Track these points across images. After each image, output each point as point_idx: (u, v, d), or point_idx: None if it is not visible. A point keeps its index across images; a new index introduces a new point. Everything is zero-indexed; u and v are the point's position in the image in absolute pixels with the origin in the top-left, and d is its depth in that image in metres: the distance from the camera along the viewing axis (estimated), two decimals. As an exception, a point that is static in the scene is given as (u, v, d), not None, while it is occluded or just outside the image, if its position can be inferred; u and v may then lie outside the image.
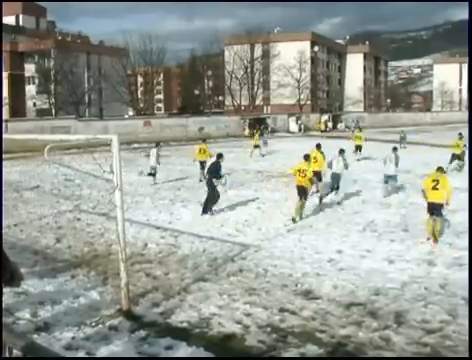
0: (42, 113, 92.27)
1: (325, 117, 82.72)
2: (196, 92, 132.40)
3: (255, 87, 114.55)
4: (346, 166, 21.33)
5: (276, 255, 13.71)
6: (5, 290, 5.40)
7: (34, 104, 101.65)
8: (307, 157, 19.16)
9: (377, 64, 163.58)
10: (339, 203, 20.75)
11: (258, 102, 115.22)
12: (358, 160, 35.61)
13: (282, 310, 10.04)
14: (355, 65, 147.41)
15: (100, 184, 20.75)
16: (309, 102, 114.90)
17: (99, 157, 10.18)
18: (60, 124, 53.20)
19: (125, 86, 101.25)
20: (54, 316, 9.68)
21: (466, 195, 21.34)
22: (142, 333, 9.06)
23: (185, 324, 9.47)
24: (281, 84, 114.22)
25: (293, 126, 74.76)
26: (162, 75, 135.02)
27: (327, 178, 21.59)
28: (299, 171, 18.20)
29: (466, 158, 30.29)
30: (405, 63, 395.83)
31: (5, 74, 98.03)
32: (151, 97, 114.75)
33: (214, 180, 18.81)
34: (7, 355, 4.41)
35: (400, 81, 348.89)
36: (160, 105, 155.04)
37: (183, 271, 12.43)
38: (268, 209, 19.50)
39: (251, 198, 21.42)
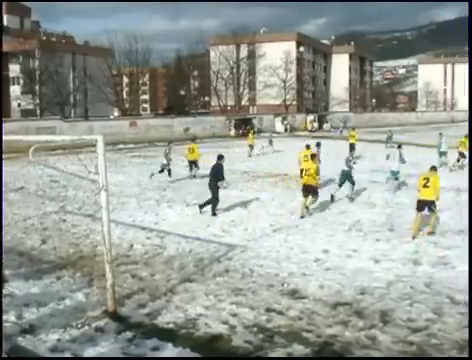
0: (27, 114, 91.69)
1: (311, 117, 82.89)
2: (182, 92, 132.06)
3: (241, 87, 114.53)
4: (351, 164, 22.06)
5: (262, 255, 13.72)
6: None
7: (19, 105, 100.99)
8: (313, 156, 20.03)
9: (362, 64, 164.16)
10: (352, 199, 21.37)
11: (244, 102, 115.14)
12: (354, 158, 35.83)
13: (268, 310, 10.04)
14: (340, 65, 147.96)
15: (85, 185, 20.63)
16: (295, 102, 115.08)
17: (84, 158, 10.15)
18: (45, 125, 52.92)
19: (110, 86, 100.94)
20: (39, 318, 9.62)
21: (451, 194, 21.56)
22: (128, 334, 9.03)
23: (171, 325, 9.45)
24: (267, 84, 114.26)
25: (279, 126, 74.84)
26: (148, 75, 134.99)
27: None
28: (304, 170, 19.03)
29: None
30: (390, 63, 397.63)
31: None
32: (137, 97, 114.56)
33: (219, 183, 18.69)
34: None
35: (385, 81, 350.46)
36: (146, 105, 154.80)
37: (169, 272, 12.40)
38: (254, 209, 19.51)
39: (237, 198, 21.40)
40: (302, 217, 18.15)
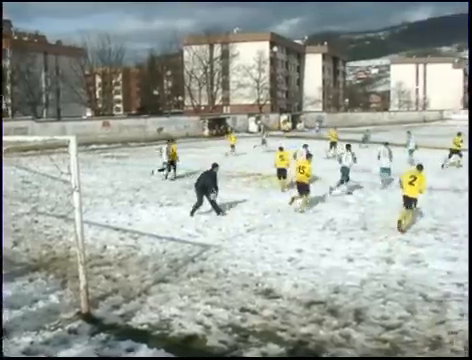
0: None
1: (284, 117, 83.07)
2: (155, 92, 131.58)
3: (214, 87, 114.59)
4: (355, 160, 23.11)
5: (236, 255, 13.73)
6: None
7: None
8: (308, 156, 20.90)
9: (335, 64, 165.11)
10: (350, 193, 22.43)
11: (218, 102, 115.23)
12: (333, 156, 36.75)
13: (243, 310, 10.05)
14: (314, 65, 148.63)
15: (58, 186, 20.44)
16: (268, 102, 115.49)
17: (57, 158, 10.10)
18: (17, 125, 52.13)
19: (83, 86, 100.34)
20: (12, 321, 9.51)
21: (425, 195, 21.70)
22: (102, 336, 8.97)
23: (145, 326, 9.41)
24: (240, 84, 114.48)
25: (253, 126, 74.86)
26: (121, 75, 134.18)
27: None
28: (298, 168, 19.50)
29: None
30: (363, 63, 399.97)
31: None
32: (110, 97, 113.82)
33: (212, 194, 18.45)
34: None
35: (358, 81, 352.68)
36: (119, 105, 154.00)
37: (143, 273, 12.35)
38: (228, 209, 19.50)
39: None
40: (302, 211, 18.90)
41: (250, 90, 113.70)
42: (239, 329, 9.26)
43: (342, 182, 22.75)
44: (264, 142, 45.02)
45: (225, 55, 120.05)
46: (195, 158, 35.58)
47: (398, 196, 21.66)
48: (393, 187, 23.95)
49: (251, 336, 8.99)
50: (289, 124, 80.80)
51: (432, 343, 8.66)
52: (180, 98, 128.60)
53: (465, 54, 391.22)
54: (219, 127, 68.46)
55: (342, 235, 15.74)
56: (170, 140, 30.24)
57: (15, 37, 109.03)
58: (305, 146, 27.13)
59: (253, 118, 77.42)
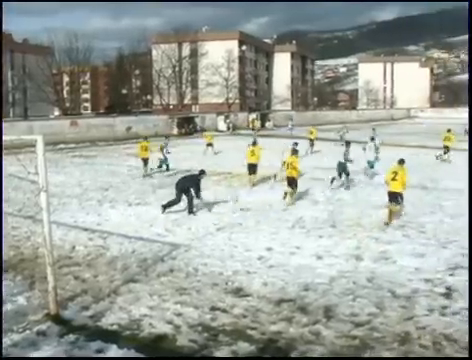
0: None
1: (253, 116, 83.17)
2: (124, 91, 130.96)
3: (183, 86, 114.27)
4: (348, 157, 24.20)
5: (206, 254, 13.72)
6: None
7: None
8: (295, 152, 21.80)
9: (304, 63, 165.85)
10: (347, 188, 23.27)
11: (186, 101, 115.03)
12: (312, 153, 38.46)
13: (213, 309, 10.06)
14: (282, 64, 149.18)
15: (25, 186, 20.23)
16: (237, 101, 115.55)
17: (24, 158, 9.97)
18: (-18, 125, 51.55)
19: (50, 85, 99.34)
20: (-21, 323, 9.39)
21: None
22: (71, 337, 8.89)
23: (115, 326, 9.36)
24: (209, 83, 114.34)
25: (222, 125, 74.80)
26: (89, 74, 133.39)
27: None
28: (288, 164, 20.44)
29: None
30: (331, 62, 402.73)
31: None
32: (77, 96, 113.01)
33: (198, 199, 18.53)
34: None
35: (327, 80, 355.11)
36: (87, 105, 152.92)
37: (112, 273, 12.28)
38: (198, 208, 19.47)
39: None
40: (292, 204, 19.90)
41: (219, 89, 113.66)
42: (209, 328, 9.26)
43: (340, 176, 23.65)
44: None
45: (194, 54, 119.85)
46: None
47: (367, 194, 22.02)
48: (362, 185, 24.23)
49: (221, 335, 8.99)
50: (258, 123, 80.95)
51: (401, 339, 8.76)
52: (149, 97, 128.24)
53: (431, 53, 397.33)
54: (188, 126, 68.32)
55: (311, 233, 15.83)
56: (167, 137, 31.43)
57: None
58: (295, 144, 27.78)
59: (222, 117, 77.33)
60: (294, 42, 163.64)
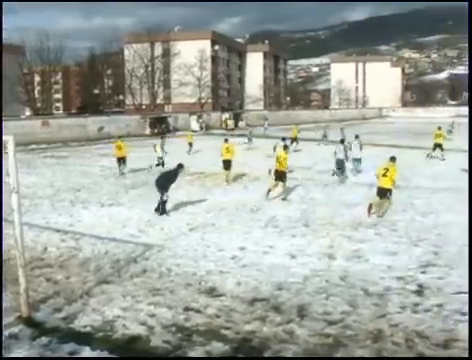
0: None
1: (226, 115, 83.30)
2: (96, 91, 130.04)
3: (156, 86, 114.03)
4: (348, 152, 25.94)
5: (179, 254, 13.68)
6: None
7: None
8: (286, 147, 22.40)
9: (277, 63, 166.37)
10: (342, 182, 24.75)
11: (159, 101, 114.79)
12: (295, 151, 38.84)
13: (187, 309, 10.03)
14: (255, 64, 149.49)
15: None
16: (210, 101, 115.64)
17: (-6, 159, 9.83)
18: None
19: (21, 85, 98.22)
20: None
21: (364, 190, 22.14)
22: (44, 340, 8.80)
23: (88, 328, 9.29)
24: (182, 83, 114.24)
25: (194, 125, 74.79)
26: (60, 74, 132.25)
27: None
28: (278, 158, 21.07)
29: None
30: (304, 62, 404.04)
31: None
32: (49, 96, 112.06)
33: (164, 195, 18.38)
34: None
35: (299, 79, 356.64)
36: (58, 105, 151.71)
37: (85, 274, 12.18)
38: (171, 208, 19.42)
39: (154, 198, 21.19)
40: (284, 199, 20.87)
41: (192, 89, 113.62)
42: (183, 328, 9.24)
43: (341, 172, 25.17)
44: (250, 140, 46.46)
45: (166, 53, 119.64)
46: (138, 157, 35.23)
47: (339, 193, 22.17)
48: (335, 185, 24.37)
49: (195, 335, 8.98)
50: (230, 122, 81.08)
51: (374, 336, 8.82)
52: (121, 97, 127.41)
53: (403, 53, 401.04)
54: (161, 126, 68.13)
55: (284, 232, 15.86)
56: (163, 136, 31.94)
57: None
58: (283, 139, 29.10)
59: (195, 117, 77.31)
60: (267, 42, 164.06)
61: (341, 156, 25.08)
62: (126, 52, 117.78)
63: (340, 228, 16.16)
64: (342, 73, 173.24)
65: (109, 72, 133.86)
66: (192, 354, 8.36)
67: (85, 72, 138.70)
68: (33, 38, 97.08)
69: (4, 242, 14.82)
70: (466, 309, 9.74)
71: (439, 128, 35.79)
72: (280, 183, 21.10)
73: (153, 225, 16.94)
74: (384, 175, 17.48)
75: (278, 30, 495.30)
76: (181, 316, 9.71)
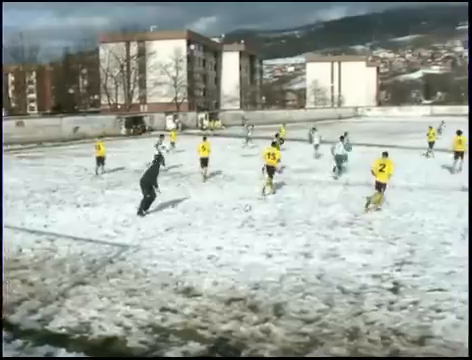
0: None
1: (202, 115, 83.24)
2: (71, 91, 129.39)
3: (131, 85, 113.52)
4: (348, 149, 27.72)
5: (156, 254, 13.64)
6: None
7: None
8: (274, 143, 23.75)
9: (252, 62, 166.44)
10: (336, 178, 25.76)
11: (135, 101, 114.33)
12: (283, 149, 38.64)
13: (163, 309, 10.00)
14: (231, 63, 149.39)
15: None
16: (186, 100, 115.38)
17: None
18: None
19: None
20: None
21: (339, 189, 22.31)
22: (19, 342, 8.71)
23: (64, 330, 9.22)
24: (158, 82, 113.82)
25: (170, 125, 74.60)
26: (35, 73, 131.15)
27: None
28: (269, 154, 21.87)
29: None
30: (279, 61, 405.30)
31: None
32: (23, 96, 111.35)
33: (156, 190, 18.33)
34: None
35: (275, 79, 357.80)
36: (33, 105, 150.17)
37: (61, 275, 12.09)
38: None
39: (129, 198, 21.12)
40: (274, 193, 21.89)
41: (167, 88, 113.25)
42: (159, 329, 9.21)
43: (340, 168, 26.12)
44: (249, 139, 45.93)
45: (142, 53, 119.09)
46: (113, 157, 35.06)
47: (315, 192, 22.27)
48: (311, 183, 24.47)
49: (172, 335, 8.96)
50: (206, 122, 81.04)
51: (350, 334, 8.87)
52: (96, 97, 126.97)
53: (378, 53, 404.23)
54: (136, 126, 67.93)
55: (261, 231, 15.88)
56: (161, 135, 31.81)
57: None
58: (276, 136, 30.94)
59: (171, 116, 77.18)
60: (242, 41, 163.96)
61: (340, 152, 25.91)
62: (101, 51, 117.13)
63: (316, 227, 16.23)
64: (318, 73, 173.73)
65: (84, 72, 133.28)
66: (169, 354, 8.34)
67: (60, 72, 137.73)
68: (6, 37, 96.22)
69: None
70: (441, 306, 9.85)
71: (430, 128, 36.77)
72: (270, 179, 21.80)
73: (129, 225, 16.88)
74: (381, 170, 18.21)
75: (254, 30, 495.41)
76: (158, 316, 9.68)
